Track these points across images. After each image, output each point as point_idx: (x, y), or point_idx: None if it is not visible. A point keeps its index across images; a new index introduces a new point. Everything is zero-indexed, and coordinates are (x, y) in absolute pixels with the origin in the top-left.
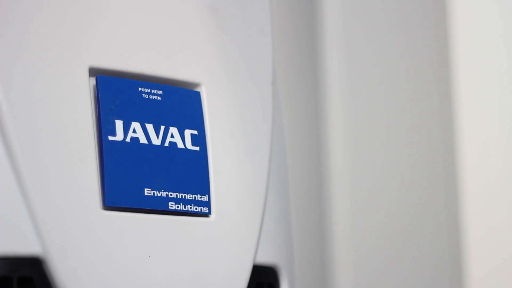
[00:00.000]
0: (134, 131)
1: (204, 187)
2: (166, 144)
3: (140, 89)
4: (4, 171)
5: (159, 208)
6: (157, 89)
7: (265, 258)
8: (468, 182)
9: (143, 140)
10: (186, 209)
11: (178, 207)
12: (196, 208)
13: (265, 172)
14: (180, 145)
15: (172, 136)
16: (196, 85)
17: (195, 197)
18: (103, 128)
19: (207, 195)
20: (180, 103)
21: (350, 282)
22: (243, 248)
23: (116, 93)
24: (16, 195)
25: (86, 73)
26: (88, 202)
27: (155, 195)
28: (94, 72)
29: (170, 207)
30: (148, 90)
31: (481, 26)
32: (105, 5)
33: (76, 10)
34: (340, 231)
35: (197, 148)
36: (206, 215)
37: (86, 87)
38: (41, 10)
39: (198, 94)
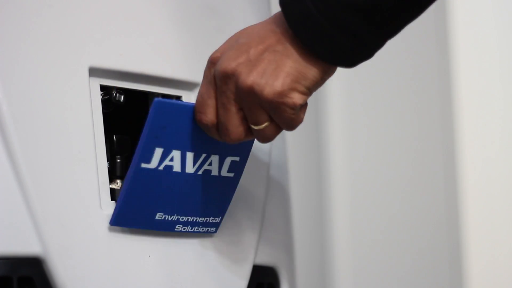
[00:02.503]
0: (171, 160)
1: (221, 209)
2: (200, 172)
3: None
4: (4, 171)
5: (164, 230)
6: None
7: (265, 258)
8: (468, 182)
9: (176, 168)
10: (193, 230)
11: (184, 229)
12: (202, 229)
13: (265, 172)
14: (214, 172)
15: (210, 164)
16: (196, 85)
17: (206, 220)
18: (140, 155)
19: (220, 217)
20: None
21: (350, 282)
22: (244, 248)
23: (169, 119)
24: (16, 195)
25: (86, 73)
26: (88, 202)
27: (166, 219)
28: (94, 72)
29: (176, 229)
30: None
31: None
32: (105, 5)
33: (76, 10)
34: (340, 231)
35: (231, 175)
36: (211, 234)
37: (86, 87)
38: (41, 10)
39: None
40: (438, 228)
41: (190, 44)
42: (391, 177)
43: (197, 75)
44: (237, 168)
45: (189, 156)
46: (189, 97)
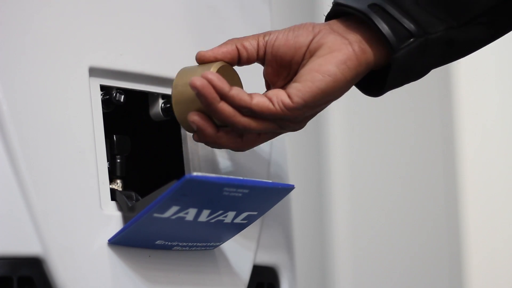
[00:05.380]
0: (185, 213)
1: (225, 239)
2: (213, 221)
3: (225, 189)
4: (4, 171)
5: (162, 249)
6: (242, 189)
7: (265, 258)
8: (468, 182)
9: (189, 218)
10: (191, 249)
11: (182, 248)
12: (201, 248)
13: (265, 172)
14: (227, 221)
15: (224, 216)
16: None
17: (206, 244)
18: (156, 208)
19: (222, 242)
20: (262, 198)
21: (350, 282)
22: (244, 248)
23: (193, 190)
24: (16, 195)
25: (86, 73)
26: (88, 202)
27: (165, 244)
28: (94, 72)
29: (173, 249)
30: (233, 189)
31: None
32: (105, 5)
33: (77, 10)
34: (340, 231)
35: (245, 221)
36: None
37: (86, 87)
38: (41, 11)
39: (288, 189)
40: (438, 228)
41: (190, 44)
42: (391, 177)
43: None
44: (252, 218)
45: (205, 212)
46: None
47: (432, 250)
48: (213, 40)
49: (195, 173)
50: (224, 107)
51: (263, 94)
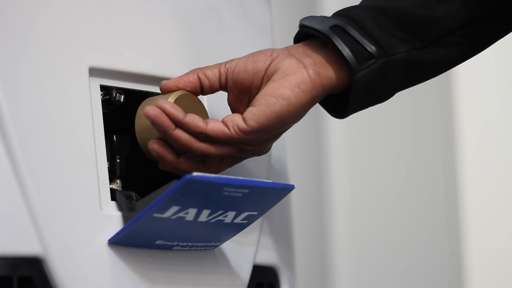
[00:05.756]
0: (185, 213)
1: (225, 239)
2: (213, 221)
3: (225, 189)
4: (4, 171)
5: (162, 249)
6: (242, 189)
7: (265, 258)
8: (468, 182)
9: (189, 218)
10: (191, 249)
11: (182, 248)
12: (201, 248)
13: (265, 172)
14: (227, 221)
15: (224, 216)
16: None
17: (206, 244)
18: (155, 209)
19: (222, 242)
20: (262, 198)
21: (350, 282)
22: (244, 248)
23: (194, 189)
24: (16, 195)
25: (86, 73)
26: (88, 202)
27: (165, 243)
28: (94, 72)
29: (173, 249)
30: (233, 189)
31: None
32: (105, 5)
33: (77, 10)
34: (340, 231)
35: (245, 221)
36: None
37: (86, 87)
38: (41, 11)
39: (288, 189)
40: (438, 228)
41: (190, 44)
42: (391, 177)
43: None
44: (252, 218)
45: (205, 212)
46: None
47: (432, 250)
48: (213, 40)
49: (195, 173)
50: (180, 134)
51: (222, 119)
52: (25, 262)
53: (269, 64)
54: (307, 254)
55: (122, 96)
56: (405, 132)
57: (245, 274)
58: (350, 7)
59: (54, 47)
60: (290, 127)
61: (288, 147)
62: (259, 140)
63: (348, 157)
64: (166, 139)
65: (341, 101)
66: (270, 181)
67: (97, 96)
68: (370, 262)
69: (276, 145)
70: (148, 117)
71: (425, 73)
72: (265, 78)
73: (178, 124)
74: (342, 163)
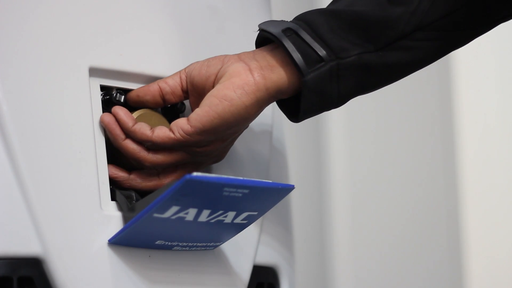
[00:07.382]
0: (186, 213)
1: (225, 239)
2: (213, 221)
3: (225, 189)
4: (4, 171)
5: (162, 249)
6: (242, 189)
7: (265, 258)
8: (468, 181)
9: (189, 218)
10: (191, 249)
11: (182, 248)
12: (201, 249)
13: (265, 172)
14: (227, 221)
15: (224, 216)
16: None
17: (206, 244)
18: (155, 209)
19: (222, 242)
20: (262, 198)
21: (350, 282)
22: (244, 248)
23: (193, 190)
24: (16, 195)
25: (86, 73)
26: (88, 202)
27: (165, 244)
28: (94, 72)
29: (173, 249)
30: (233, 189)
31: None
32: (105, 6)
33: (77, 10)
34: (340, 231)
35: (245, 222)
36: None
37: (86, 87)
38: (41, 11)
39: (288, 189)
40: (438, 227)
41: (190, 44)
42: (391, 177)
43: None
44: (252, 218)
45: (205, 212)
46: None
47: (432, 249)
48: (213, 40)
49: (195, 173)
50: (129, 144)
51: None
52: (25, 262)
53: (220, 68)
54: (307, 254)
55: (122, 96)
56: (405, 132)
57: (245, 274)
58: (309, 11)
59: (54, 47)
60: (240, 130)
61: (288, 147)
62: (206, 141)
63: (348, 157)
64: (117, 149)
65: (298, 105)
66: (270, 181)
67: (97, 96)
68: (370, 262)
69: (276, 145)
70: (102, 122)
71: (379, 78)
72: (216, 81)
73: (127, 132)
74: (342, 163)
